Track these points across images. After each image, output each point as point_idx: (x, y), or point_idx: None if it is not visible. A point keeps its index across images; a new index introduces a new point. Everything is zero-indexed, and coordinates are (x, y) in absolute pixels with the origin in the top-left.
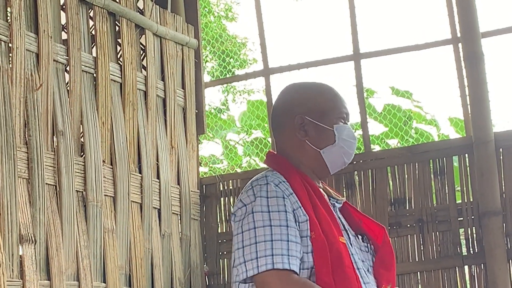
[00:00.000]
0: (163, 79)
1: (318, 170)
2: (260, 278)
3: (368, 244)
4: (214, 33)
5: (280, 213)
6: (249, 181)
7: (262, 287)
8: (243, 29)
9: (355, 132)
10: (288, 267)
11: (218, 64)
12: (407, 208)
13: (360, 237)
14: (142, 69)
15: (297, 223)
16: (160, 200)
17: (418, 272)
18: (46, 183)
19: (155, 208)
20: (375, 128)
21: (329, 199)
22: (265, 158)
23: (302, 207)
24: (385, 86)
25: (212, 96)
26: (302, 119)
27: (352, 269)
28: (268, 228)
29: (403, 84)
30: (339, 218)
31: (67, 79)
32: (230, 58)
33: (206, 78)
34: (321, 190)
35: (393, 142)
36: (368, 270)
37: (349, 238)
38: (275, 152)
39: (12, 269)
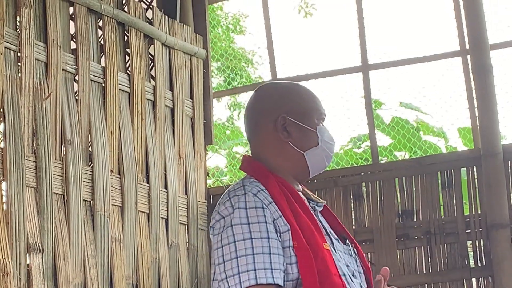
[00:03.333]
0: (171, 89)
1: (299, 173)
2: None
3: (351, 247)
4: (220, 48)
5: (260, 224)
6: (226, 191)
7: None
8: (251, 43)
9: (362, 143)
10: (272, 281)
11: (224, 80)
12: (415, 220)
13: (342, 240)
14: (151, 79)
15: (279, 234)
16: (167, 210)
17: (426, 284)
18: (54, 192)
19: (162, 218)
20: (383, 139)
21: (309, 203)
22: (241, 162)
23: (282, 216)
24: (393, 97)
25: (218, 111)
26: (285, 119)
27: (338, 276)
28: (248, 241)
29: (412, 95)
30: (321, 222)
31: (75, 89)
32: (235, 74)
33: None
34: (300, 194)
35: (401, 154)
36: (353, 275)
37: (332, 242)
38: (250, 157)
39: (20, 278)
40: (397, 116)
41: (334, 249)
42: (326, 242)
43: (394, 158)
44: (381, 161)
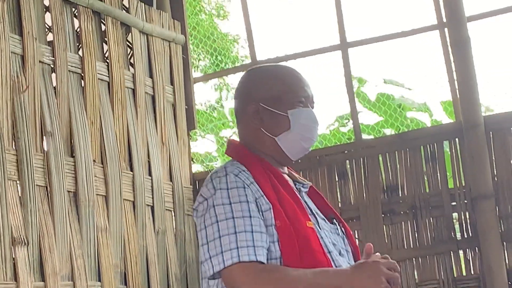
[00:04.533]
0: (151, 76)
1: (278, 157)
2: (226, 273)
3: (339, 226)
4: (206, 31)
5: (242, 203)
6: (209, 174)
7: (229, 282)
8: (234, 26)
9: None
10: (255, 258)
11: (210, 62)
12: (400, 195)
13: (329, 220)
14: (130, 67)
15: (261, 212)
16: (152, 197)
17: (414, 258)
18: (36, 185)
19: (148, 205)
20: (370, 117)
21: (295, 184)
22: (226, 147)
23: (264, 196)
24: (377, 74)
25: (206, 94)
26: (257, 106)
27: (322, 253)
28: (230, 220)
29: (394, 71)
30: (306, 202)
31: (54, 80)
32: (222, 56)
33: (199, 75)
34: (285, 176)
35: (389, 132)
36: (340, 253)
37: (317, 222)
38: (237, 141)
39: (6, 272)
40: (382, 92)
41: (319, 228)
42: (310, 221)
43: (381, 135)
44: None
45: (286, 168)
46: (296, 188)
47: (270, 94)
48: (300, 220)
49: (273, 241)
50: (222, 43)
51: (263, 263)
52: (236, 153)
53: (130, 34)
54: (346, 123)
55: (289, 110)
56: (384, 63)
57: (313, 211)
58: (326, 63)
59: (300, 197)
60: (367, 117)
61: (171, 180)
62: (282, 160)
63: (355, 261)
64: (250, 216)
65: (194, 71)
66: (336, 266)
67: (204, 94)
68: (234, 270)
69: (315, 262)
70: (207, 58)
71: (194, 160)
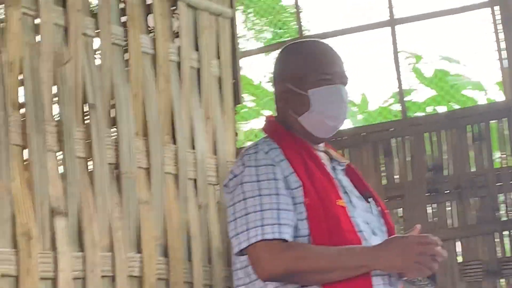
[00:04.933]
0: (197, 49)
1: (306, 136)
2: (251, 250)
3: (374, 206)
4: (268, 5)
5: (269, 181)
6: (242, 151)
7: (254, 259)
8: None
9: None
10: (278, 236)
11: (273, 34)
12: (445, 174)
13: (365, 198)
14: (175, 41)
15: (290, 190)
16: (196, 171)
17: (457, 238)
18: (77, 156)
19: (190, 179)
20: (424, 93)
21: (331, 161)
22: (264, 123)
23: (294, 173)
24: (433, 51)
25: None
26: (284, 86)
27: (352, 232)
28: (258, 198)
29: (450, 49)
30: (340, 181)
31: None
32: (284, 28)
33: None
34: (319, 153)
35: (442, 109)
36: (373, 233)
37: (351, 200)
38: (273, 117)
39: (45, 242)
40: (438, 69)
41: (353, 207)
42: (341, 199)
43: (432, 112)
44: (410, 116)
45: (322, 145)
46: (331, 165)
47: (294, 73)
48: (330, 198)
49: (302, 218)
50: (284, 17)
51: (287, 240)
52: (270, 130)
53: (176, 7)
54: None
55: (311, 89)
56: (440, 40)
57: (347, 190)
58: (384, 39)
59: (333, 175)
60: (422, 93)
61: (215, 154)
62: (310, 139)
63: None
64: (277, 194)
65: (256, 43)
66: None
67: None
68: (257, 248)
69: (344, 240)
70: (269, 31)
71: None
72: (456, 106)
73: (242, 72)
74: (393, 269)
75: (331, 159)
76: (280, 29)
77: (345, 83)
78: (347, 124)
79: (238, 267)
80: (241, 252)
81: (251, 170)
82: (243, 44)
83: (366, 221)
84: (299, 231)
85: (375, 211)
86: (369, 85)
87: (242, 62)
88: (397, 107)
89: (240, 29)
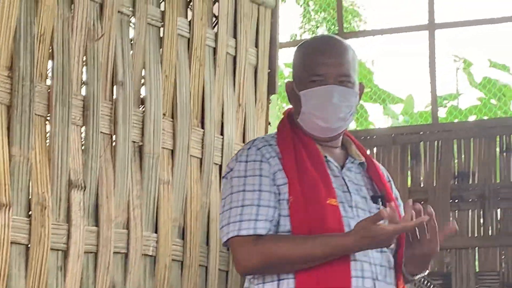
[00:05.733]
0: (235, 37)
1: (309, 134)
2: (230, 244)
3: (384, 207)
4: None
5: (255, 177)
6: None
7: (234, 251)
8: None
9: (448, 102)
10: (253, 232)
11: (327, 28)
12: (470, 182)
13: (375, 199)
14: (214, 26)
15: (277, 186)
16: (222, 157)
17: (476, 248)
18: (101, 132)
19: (216, 164)
20: (469, 100)
21: (348, 158)
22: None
23: (283, 170)
24: (483, 58)
25: None
26: (289, 85)
27: (339, 231)
28: (242, 193)
29: (501, 56)
30: (346, 178)
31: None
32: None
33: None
34: (326, 150)
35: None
36: None
37: (352, 199)
38: (291, 110)
39: (59, 213)
40: (487, 76)
41: (351, 206)
42: (334, 198)
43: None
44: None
45: (338, 141)
46: (342, 162)
47: (294, 73)
48: (319, 197)
49: (285, 215)
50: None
51: (261, 235)
52: (279, 125)
53: None
54: (446, 103)
55: (302, 90)
56: (491, 47)
57: (351, 188)
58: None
59: (337, 173)
60: (469, 98)
61: (243, 142)
62: (315, 137)
63: (399, 244)
64: (260, 190)
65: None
66: None
67: None
68: (234, 243)
69: None
70: (328, 25)
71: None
72: (500, 114)
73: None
74: (358, 250)
75: (349, 155)
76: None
77: (342, 83)
78: (379, 124)
79: None
80: (226, 244)
81: (240, 165)
82: (305, 36)
83: None
84: (282, 227)
85: None
86: (417, 87)
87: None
88: (442, 113)
89: (298, 22)
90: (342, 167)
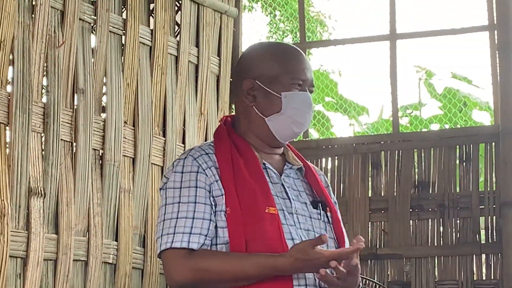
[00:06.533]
0: (197, 45)
1: (265, 138)
2: (162, 257)
3: (324, 212)
4: (294, 10)
5: (190, 189)
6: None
7: (164, 266)
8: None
9: (411, 112)
10: (187, 245)
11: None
12: (430, 192)
13: (315, 204)
14: (176, 35)
15: (213, 198)
16: None
17: (436, 257)
18: (61, 139)
19: None
20: (431, 110)
21: (286, 164)
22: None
23: (219, 181)
24: (445, 68)
25: None
26: (252, 83)
27: (278, 240)
28: (176, 205)
29: (462, 67)
30: (285, 185)
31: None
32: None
33: None
34: (267, 157)
35: (446, 127)
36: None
37: (292, 206)
38: (228, 117)
39: (18, 221)
40: (448, 87)
41: (291, 213)
42: (273, 206)
43: (441, 127)
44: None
45: (277, 148)
46: (274, 171)
47: (267, 73)
48: (257, 206)
49: (223, 226)
50: (308, 24)
51: (193, 250)
52: (216, 132)
53: (180, 1)
54: (410, 113)
55: (284, 92)
56: (452, 57)
57: (291, 195)
58: (374, 51)
59: (276, 180)
60: (431, 109)
61: None
62: (267, 141)
63: (338, 248)
64: (195, 202)
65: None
66: None
67: None
68: (166, 255)
69: (266, 249)
70: (293, 35)
71: None
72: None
73: None
74: (294, 272)
75: (286, 161)
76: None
77: (311, 92)
78: (339, 133)
79: None
80: (160, 257)
81: (176, 176)
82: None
83: (307, 228)
84: (220, 239)
85: (324, 217)
86: (381, 97)
87: None
88: (405, 120)
89: (266, 31)
90: (280, 174)
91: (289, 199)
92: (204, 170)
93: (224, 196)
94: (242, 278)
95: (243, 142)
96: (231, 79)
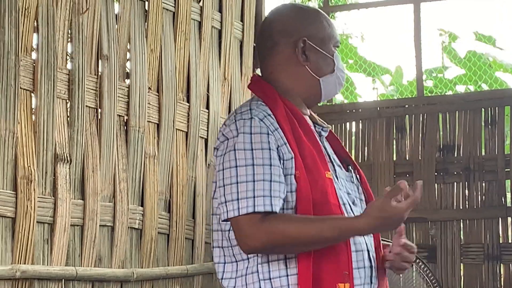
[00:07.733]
0: (220, 11)
1: (310, 97)
2: (237, 220)
3: (354, 174)
4: None
5: (263, 151)
6: (232, 112)
7: (238, 230)
8: None
9: (436, 75)
10: (270, 209)
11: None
12: (455, 155)
13: (345, 166)
14: (199, 0)
15: (282, 161)
16: (207, 130)
17: (461, 220)
18: (86, 106)
19: (202, 137)
20: (457, 71)
21: (315, 127)
22: (249, 81)
23: (287, 144)
24: (469, 31)
25: None
26: (305, 43)
27: (337, 206)
28: (250, 167)
29: (486, 29)
30: (325, 148)
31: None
32: None
33: None
34: (307, 118)
35: (471, 88)
36: (353, 203)
37: (335, 170)
38: (261, 76)
39: (45, 187)
40: (472, 50)
41: (336, 177)
42: (329, 171)
43: (466, 90)
44: (426, 95)
45: (308, 110)
46: (316, 131)
47: (317, 34)
48: (319, 170)
49: (291, 190)
50: None
51: (276, 213)
52: (261, 90)
53: None
54: (434, 76)
55: (332, 54)
56: (478, 19)
57: (331, 158)
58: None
59: (321, 144)
60: (454, 71)
61: None
62: (311, 101)
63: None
64: (271, 165)
65: None
66: None
67: None
68: (241, 220)
69: (329, 214)
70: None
71: None
72: (486, 87)
73: None
74: (369, 233)
75: (314, 123)
76: None
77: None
78: (364, 97)
79: (217, 228)
80: (227, 220)
81: (245, 137)
82: None
83: (347, 191)
84: (287, 203)
85: (355, 179)
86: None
87: None
88: (429, 83)
89: None
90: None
91: (332, 162)
92: (272, 132)
93: (294, 159)
94: (319, 241)
95: (290, 103)
96: (255, 44)
